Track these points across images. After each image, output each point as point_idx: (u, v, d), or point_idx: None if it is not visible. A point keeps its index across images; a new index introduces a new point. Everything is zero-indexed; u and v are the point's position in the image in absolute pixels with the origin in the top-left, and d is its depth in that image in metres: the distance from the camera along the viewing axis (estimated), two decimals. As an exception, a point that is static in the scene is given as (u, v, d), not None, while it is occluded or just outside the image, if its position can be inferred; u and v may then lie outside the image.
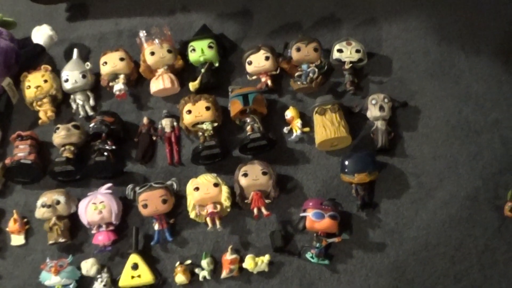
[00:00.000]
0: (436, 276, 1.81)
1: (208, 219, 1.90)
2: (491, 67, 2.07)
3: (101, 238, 1.93)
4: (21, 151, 2.02)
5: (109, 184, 1.98)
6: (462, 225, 1.86)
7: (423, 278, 1.81)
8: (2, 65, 2.08)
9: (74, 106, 2.12)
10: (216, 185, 1.91)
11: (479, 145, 1.96)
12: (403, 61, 2.12)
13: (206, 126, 2.00)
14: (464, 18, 2.17)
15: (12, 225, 1.98)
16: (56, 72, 2.15)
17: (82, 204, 1.95)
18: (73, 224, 1.98)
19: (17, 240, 1.99)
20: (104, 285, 1.89)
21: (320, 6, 2.24)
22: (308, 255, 1.85)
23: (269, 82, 2.08)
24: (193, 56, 2.11)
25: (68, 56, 2.19)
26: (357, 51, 2.07)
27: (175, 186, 1.95)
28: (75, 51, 2.19)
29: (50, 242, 1.94)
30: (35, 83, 2.10)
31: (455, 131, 1.99)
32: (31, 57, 2.18)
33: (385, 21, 2.20)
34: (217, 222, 1.90)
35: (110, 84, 2.11)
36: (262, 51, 2.08)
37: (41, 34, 2.17)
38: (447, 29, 2.16)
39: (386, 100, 1.99)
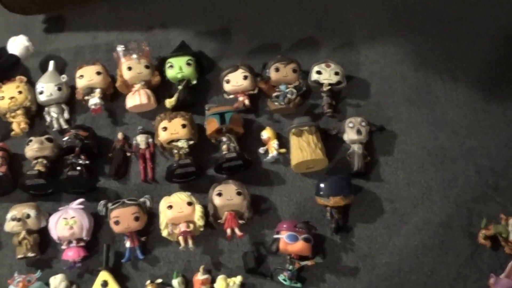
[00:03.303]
0: None
1: (180, 238, 1.87)
2: (468, 95, 2.08)
3: (71, 254, 1.89)
4: (-8, 163, 1.96)
5: (81, 200, 1.95)
6: (435, 252, 1.85)
7: None
8: (-23, 75, 2.01)
9: (48, 118, 2.09)
10: (189, 203, 1.89)
11: (454, 173, 1.96)
12: (380, 86, 2.12)
13: (182, 144, 1.97)
14: (442, 45, 2.18)
15: (-20, 237, 1.92)
16: (31, 83, 2.12)
17: (53, 219, 1.92)
18: (42, 239, 1.94)
19: (-15, 253, 1.92)
20: (73, 301, 1.84)
21: (299, 28, 2.23)
22: (281, 277, 1.83)
23: (246, 102, 2.06)
24: (170, 73, 2.09)
25: (43, 68, 2.16)
26: (336, 73, 2.06)
27: (148, 203, 1.93)
28: (51, 63, 2.16)
29: (19, 256, 1.90)
30: (9, 94, 2.07)
31: (430, 157, 1.99)
32: (6, 67, 2.16)
33: (364, 46, 2.20)
34: (190, 242, 1.87)
35: (86, 98, 2.08)
36: (240, 70, 2.07)
37: (17, 45, 2.14)
38: (425, 56, 2.17)
39: (363, 123, 1.99)
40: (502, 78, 2.11)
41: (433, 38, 2.19)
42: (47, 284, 1.88)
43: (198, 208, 1.90)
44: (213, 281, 1.86)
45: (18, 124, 2.07)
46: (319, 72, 2.07)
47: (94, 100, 2.07)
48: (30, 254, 1.91)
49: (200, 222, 1.88)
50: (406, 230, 1.90)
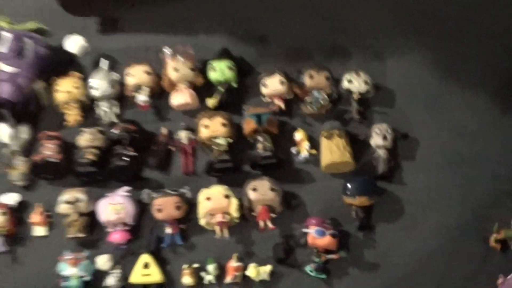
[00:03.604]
0: None
1: (217, 228, 1.89)
2: (486, 104, 2.07)
3: (117, 236, 1.92)
4: (48, 150, 1.99)
5: (127, 188, 1.97)
6: (450, 254, 1.86)
7: None
8: (37, 70, 2.07)
9: (99, 112, 2.10)
10: (227, 196, 1.91)
11: (471, 179, 1.96)
12: (405, 95, 2.11)
13: (221, 141, 1.97)
14: (464, 56, 2.15)
15: (35, 217, 1.96)
16: (85, 79, 2.11)
17: (101, 204, 1.94)
18: (91, 222, 1.95)
19: (39, 231, 1.96)
20: (117, 280, 1.87)
21: (332, 39, 2.21)
22: (308, 269, 1.85)
23: (281, 105, 2.07)
24: (213, 75, 2.09)
25: (97, 66, 2.16)
26: (366, 82, 2.06)
27: (188, 194, 1.94)
28: (104, 61, 2.17)
29: (69, 236, 1.92)
30: (65, 88, 2.08)
31: (449, 163, 1.99)
32: (63, 63, 2.16)
33: (390, 57, 2.18)
34: (225, 231, 1.90)
35: (134, 94, 2.08)
36: (277, 76, 2.07)
37: (73, 44, 2.15)
38: (446, 67, 2.15)
39: (389, 130, 1.99)
40: None
41: (455, 50, 2.16)
42: (94, 262, 1.90)
43: (234, 201, 1.90)
44: (245, 268, 1.86)
45: (72, 116, 2.07)
46: (350, 81, 2.06)
47: (142, 97, 2.07)
48: (80, 235, 1.92)
49: (235, 214, 1.89)
50: (424, 231, 1.90)
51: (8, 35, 2.07)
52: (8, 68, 2.03)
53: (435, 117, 2.05)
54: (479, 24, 2.19)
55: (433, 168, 1.98)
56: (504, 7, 2.21)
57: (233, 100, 2.08)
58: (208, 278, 1.86)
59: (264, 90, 2.07)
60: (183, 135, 2.03)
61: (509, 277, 1.76)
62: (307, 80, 2.04)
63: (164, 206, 1.89)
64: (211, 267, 1.86)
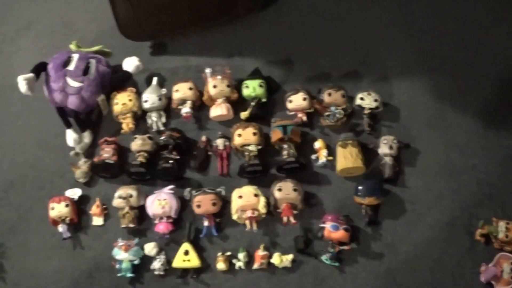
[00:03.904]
0: (419, 282, 1.79)
1: (247, 222, 1.85)
2: (472, 123, 2.04)
3: (162, 227, 1.87)
4: (106, 153, 1.97)
5: (172, 186, 1.93)
6: (442, 244, 1.83)
7: (409, 283, 1.79)
8: (100, 85, 2.03)
9: (149, 121, 2.06)
10: (256, 195, 1.86)
11: (460, 184, 1.92)
12: (408, 112, 2.07)
13: (252, 148, 1.94)
14: (455, 83, 2.13)
15: (94, 209, 1.93)
16: (139, 94, 2.09)
17: (149, 199, 1.90)
18: (140, 214, 1.92)
19: (97, 221, 1.94)
20: (161, 264, 1.84)
21: (348, 62, 2.18)
22: (323, 258, 1.81)
23: (304, 118, 2.02)
24: (246, 92, 2.05)
25: (148, 82, 2.14)
26: (376, 100, 2.02)
27: (223, 193, 1.90)
28: (155, 79, 2.14)
29: (122, 226, 1.89)
30: (122, 101, 2.05)
31: (442, 170, 1.95)
32: (121, 80, 2.14)
33: (396, 80, 2.14)
34: (254, 225, 1.85)
35: (179, 107, 2.05)
36: (301, 93, 2.03)
37: (130, 63, 2.11)
38: (442, 91, 2.11)
39: (395, 141, 1.95)
40: (498, 112, 2.07)
41: (448, 77, 2.14)
42: (143, 249, 1.87)
43: (262, 199, 1.86)
44: (270, 256, 1.83)
45: (127, 124, 2.04)
46: (362, 99, 2.03)
47: (185, 109, 2.04)
48: (131, 225, 1.89)
49: (263, 210, 1.84)
50: (422, 226, 1.87)
51: (75, 56, 2.06)
52: (75, 83, 2.00)
53: (433, 132, 2.01)
54: (467, 60, 2.17)
55: (430, 174, 1.93)
56: (495, 52, 2.20)
57: (263, 113, 2.04)
58: (239, 264, 1.82)
59: (289, 105, 2.02)
60: (219, 142, 1.99)
61: (490, 265, 1.75)
62: (326, 97, 2.00)
63: (203, 202, 1.85)
64: (241, 255, 1.82)
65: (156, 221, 1.89)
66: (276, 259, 1.81)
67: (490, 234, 1.81)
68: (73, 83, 2.01)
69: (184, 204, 1.93)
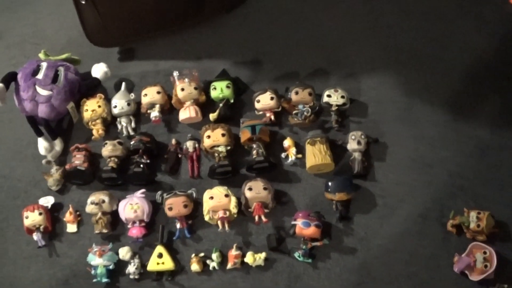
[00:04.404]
0: (394, 275, 1.78)
1: (219, 222, 1.85)
2: (441, 116, 2.04)
3: (135, 231, 1.87)
4: (78, 160, 1.97)
5: (143, 190, 1.93)
6: (415, 237, 1.82)
7: (383, 276, 1.79)
8: (69, 93, 2.03)
9: (119, 127, 2.07)
10: (226, 195, 1.86)
11: (431, 176, 1.92)
12: (376, 107, 2.08)
13: (221, 149, 1.94)
14: (422, 77, 2.14)
15: (68, 216, 1.93)
16: (108, 100, 2.09)
17: (122, 204, 1.90)
18: (114, 219, 1.92)
19: (71, 228, 1.94)
20: (136, 268, 1.84)
21: (314, 61, 2.20)
22: (296, 255, 1.80)
23: (272, 117, 2.03)
24: (214, 93, 2.06)
25: (117, 88, 2.14)
26: (342, 97, 2.03)
27: (194, 194, 1.90)
28: (123, 84, 2.14)
29: (96, 231, 1.89)
30: (91, 107, 2.05)
31: (413, 164, 1.95)
32: (90, 87, 2.14)
33: (363, 76, 2.16)
34: (226, 225, 1.84)
35: (148, 111, 2.06)
36: (268, 93, 2.03)
37: (98, 70, 2.13)
38: (409, 85, 2.12)
39: (362, 136, 1.95)
40: (466, 104, 2.08)
41: (415, 72, 2.15)
42: (117, 253, 1.86)
43: (233, 199, 1.86)
44: (243, 255, 1.83)
45: (97, 130, 2.04)
46: (329, 96, 2.03)
47: (154, 113, 2.04)
48: (104, 230, 1.89)
49: (234, 210, 1.85)
50: (394, 219, 1.87)
51: (44, 64, 2.05)
52: (44, 92, 2.00)
53: (402, 126, 2.02)
54: (434, 54, 2.18)
55: (400, 168, 1.94)
56: (460, 48, 2.21)
57: (231, 114, 2.05)
58: (213, 265, 1.82)
59: (257, 105, 2.03)
60: (189, 145, 1.99)
61: (463, 255, 1.74)
62: (293, 96, 2.00)
63: (174, 205, 1.85)
64: (215, 256, 1.82)
65: (129, 226, 1.89)
66: (249, 258, 1.81)
67: (462, 224, 1.81)
68: (43, 92, 2.01)
69: (156, 208, 1.93)
